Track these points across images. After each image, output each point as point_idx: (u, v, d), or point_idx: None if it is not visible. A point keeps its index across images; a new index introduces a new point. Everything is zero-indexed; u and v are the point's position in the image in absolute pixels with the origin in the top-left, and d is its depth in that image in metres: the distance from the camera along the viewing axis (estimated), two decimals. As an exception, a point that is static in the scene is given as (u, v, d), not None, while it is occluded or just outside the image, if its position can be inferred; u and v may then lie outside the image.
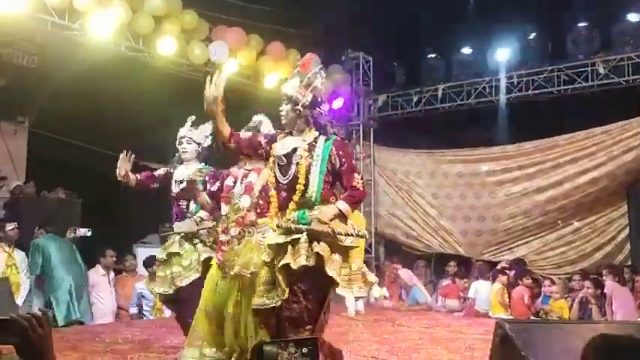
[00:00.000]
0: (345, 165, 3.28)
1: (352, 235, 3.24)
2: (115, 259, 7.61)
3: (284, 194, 3.31)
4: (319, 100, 3.39)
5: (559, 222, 9.20)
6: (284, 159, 3.34)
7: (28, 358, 1.54)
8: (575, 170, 8.92)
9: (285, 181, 3.31)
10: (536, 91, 9.17)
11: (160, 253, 4.70)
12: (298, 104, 3.33)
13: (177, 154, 4.88)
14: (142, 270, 7.98)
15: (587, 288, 6.84)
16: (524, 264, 8.58)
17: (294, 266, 3.07)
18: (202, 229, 4.53)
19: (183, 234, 4.55)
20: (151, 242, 9.15)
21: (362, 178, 3.36)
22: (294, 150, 3.32)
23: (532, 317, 7.16)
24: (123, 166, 4.71)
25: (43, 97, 9.29)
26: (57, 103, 8.85)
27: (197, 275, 4.38)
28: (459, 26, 9.41)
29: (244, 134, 3.56)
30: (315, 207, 3.24)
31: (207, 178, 4.48)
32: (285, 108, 3.38)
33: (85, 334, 5.61)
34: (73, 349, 4.80)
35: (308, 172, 3.25)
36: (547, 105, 9.27)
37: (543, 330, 2.27)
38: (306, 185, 3.25)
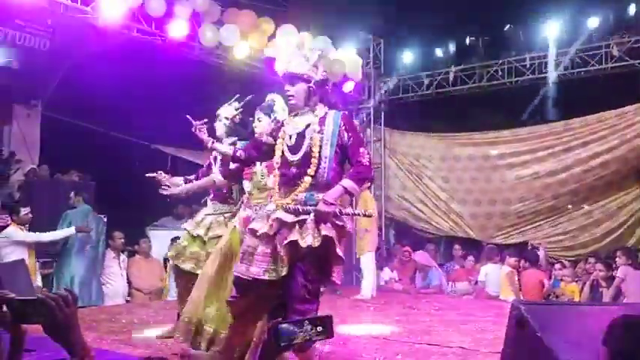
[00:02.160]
0: (352, 139, 3.28)
1: (359, 215, 3.26)
2: (123, 240, 7.68)
3: (294, 170, 3.29)
4: (327, 78, 3.42)
5: (569, 206, 9.19)
6: (296, 137, 3.33)
7: (56, 337, 1.58)
8: (587, 154, 8.88)
9: (296, 159, 3.30)
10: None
11: (193, 227, 4.55)
12: (311, 82, 3.34)
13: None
14: (155, 253, 8.10)
15: (599, 271, 6.85)
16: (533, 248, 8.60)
17: (302, 244, 3.07)
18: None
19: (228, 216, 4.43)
20: (164, 225, 9.23)
21: (369, 154, 3.35)
22: (307, 126, 3.32)
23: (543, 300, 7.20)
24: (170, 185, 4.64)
25: (55, 80, 9.34)
26: (69, 86, 8.90)
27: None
28: (471, 8, 9.33)
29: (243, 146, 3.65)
30: (324, 190, 3.22)
31: (241, 153, 4.44)
32: (292, 88, 3.35)
33: (101, 315, 5.69)
34: (90, 329, 4.87)
35: (320, 146, 3.26)
36: (559, 88, 9.21)
37: (559, 312, 2.29)
38: (320, 159, 3.25)
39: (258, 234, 3.22)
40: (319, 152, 3.25)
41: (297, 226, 3.15)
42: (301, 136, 3.33)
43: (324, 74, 3.41)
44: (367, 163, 3.27)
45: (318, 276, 3.20)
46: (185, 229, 4.69)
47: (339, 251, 3.17)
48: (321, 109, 3.36)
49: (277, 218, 3.19)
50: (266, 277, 3.14)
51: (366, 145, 3.52)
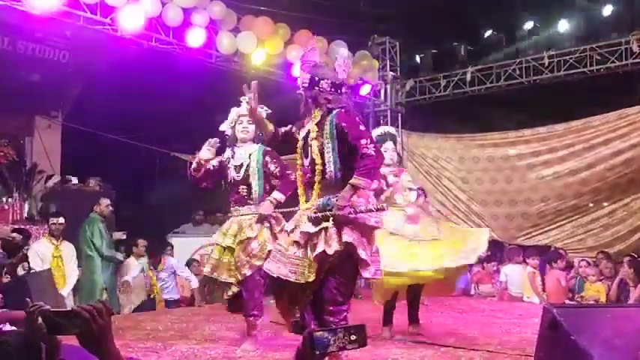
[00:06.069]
0: (350, 134, 3.25)
1: (372, 210, 3.24)
2: (146, 247, 7.72)
3: (308, 175, 3.43)
4: (316, 78, 3.40)
5: (590, 204, 9.08)
6: (302, 143, 3.47)
7: (90, 347, 1.61)
8: (609, 151, 8.77)
9: (307, 163, 3.43)
10: (568, 72, 9.00)
11: (222, 238, 4.49)
12: (299, 89, 3.45)
13: (228, 137, 4.71)
14: (177, 259, 8.17)
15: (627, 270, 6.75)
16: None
17: (329, 252, 3.16)
18: (283, 211, 4.39)
19: (255, 216, 4.41)
20: (184, 232, 9.29)
21: (372, 142, 3.26)
22: (308, 132, 3.42)
23: (567, 301, 7.11)
24: (208, 151, 4.61)
25: (75, 91, 9.44)
26: (89, 96, 9.01)
27: (261, 263, 4.04)
28: (487, 8, 9.28)
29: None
30: (338, 190, 3.27)
31: (268, 158, 4.50)
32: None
33: (126, 322, 5.73)
34: (116, 336, 4.89)
35: (322, 151, 3.32)
36: (579, 86, 9.11)
37: (593, 314, 2.26)
38: (324, 164, 3.31)
39: (290, 237, 3.38)
40: (321, 158, 3.32)
41: (322, 234, 3.22)
42: (306, 143, 3.43)
43: (310, 75, 3.41)
44: (372, 153, 3.20)
45: (349, 278, 3.30)
46: (216, 242, 4.58)
47: (362, 253, 3.21)
48: (317, 114, 3.40)
49: (303, 232, 3.30)
50: (292, 279, 3.27)
51: (368, 134, 3.37)
